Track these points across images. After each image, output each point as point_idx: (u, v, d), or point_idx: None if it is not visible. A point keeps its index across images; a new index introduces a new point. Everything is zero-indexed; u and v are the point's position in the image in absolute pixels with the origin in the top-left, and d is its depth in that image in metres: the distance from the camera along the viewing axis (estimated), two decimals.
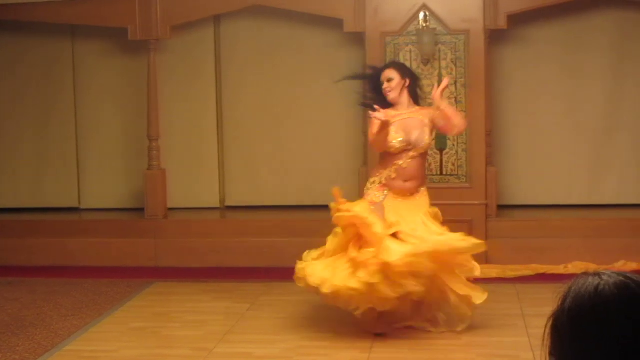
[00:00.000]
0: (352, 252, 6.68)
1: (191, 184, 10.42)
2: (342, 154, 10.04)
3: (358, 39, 9.53)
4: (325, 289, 6.67)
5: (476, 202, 9.15)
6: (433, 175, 9.12)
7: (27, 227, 10.04)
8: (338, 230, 6.93)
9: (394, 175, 6.95)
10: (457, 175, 9.20)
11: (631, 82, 9.72)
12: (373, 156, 7.81)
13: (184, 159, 10.37)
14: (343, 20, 9.35)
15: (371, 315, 6.86)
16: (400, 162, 6.94)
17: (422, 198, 7.05)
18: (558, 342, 1.96)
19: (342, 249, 6.82)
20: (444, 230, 6.91)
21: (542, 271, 8.75)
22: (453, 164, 9.20)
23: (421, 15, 9.09)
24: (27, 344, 6.90)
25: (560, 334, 1.95)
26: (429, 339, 6.82)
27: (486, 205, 9.19)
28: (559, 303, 1.97)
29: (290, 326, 7.25)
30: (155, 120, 9.79)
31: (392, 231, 6.74)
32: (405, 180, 6.96)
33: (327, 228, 7.07)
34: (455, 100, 9.09)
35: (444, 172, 9.22)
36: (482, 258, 9.00)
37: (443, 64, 9.15)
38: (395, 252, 6.50)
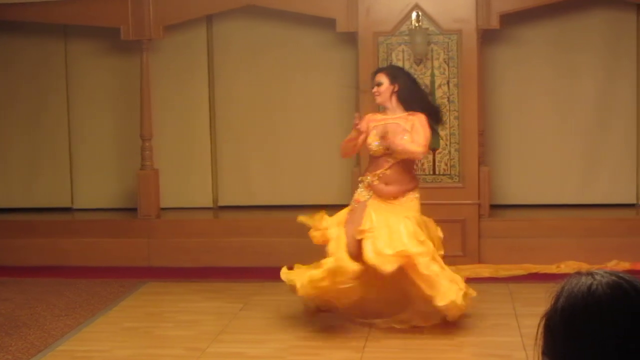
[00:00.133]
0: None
1: (184, 184, 10.42)
2: (335, 154, 9.97)
3: (350, 38, 9.54)
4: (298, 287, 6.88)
5: (469, 202, 9.16)
6: (426, 175, 9.13)
7: (20, 227, 10.02)
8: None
9: (376, 181, 7.03)
10: (449, 175, 9.21)
11: (623, 82, 9.74)
12: (365, 157, 7.82)
13: (176, 158, 10.37)
14: (335, 20, 9.35)
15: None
16: (383, 166, 7.02)
17: (409, 203, 7.05)
18: (551, 342, 1.97)
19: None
20: (424, 238, 6.89)
21: (534, 271, 8.76)
22: (446, 164, 9.20)
23: (414, 15, 9.10)
24: (20, 344, 6.89)
25: (553, 333, 1.96)
26: (421, 339, 6.83)
27: (479, 204, 9.20)
28: (552, 302, 1.98)
29: (283, 326, 7.26)
30: (147, 120, 9.78)
31: (359, 237, 6.90)
32: (387, 184, 7.02)
33: None
34: (448, 100, 9.11)
35: (437, 172, 9.22)
36: (475, 258, 9.04)
37: (435, 63, 9.16)
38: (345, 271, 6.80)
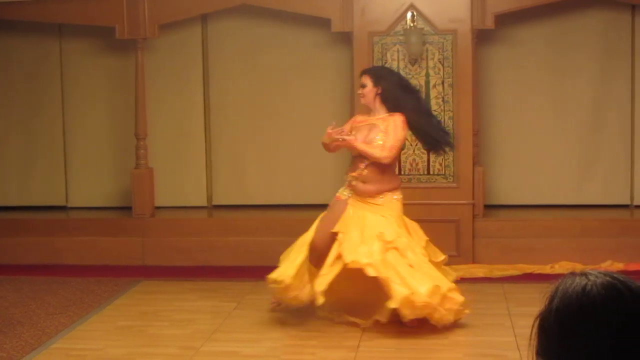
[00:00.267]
0: None
1: (178, 183, 10.41)
2: (329, 154, 10.02)
3: (345, 38, 9.55)
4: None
5: (463, 202, 9.16)
6: (420, 175, 9.14)
7: (15, 225, 10.01)
8: None
9: (354, 180, 7.13)
10: (444, 175, 9.21)
11: (618, 83, 9.76)
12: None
13: (171, 157, 10.37)
14: (331, 19, 9.36)
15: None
16: (362, 166, 7.10)
17: (389, 204, 7.09)
18: (545, 342, 1.97)
19: None
20: (392, 239, 6.94)
21: (528, 271, 8.77)
22: (440, 164, 9.21)
23: (409, 15, 9.10)
24: (14, 342, 6.89)
25: (548, 333, 1.96)
26: (415, 338, 6.84)
27: (473, 205, 9.21)
28: (546, 303, 1.98)
29: (277, 325, 7.27)
30: (142, 119, 9.77)
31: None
32: (365, 182, 7.11)
33: None
34: (443, 100, 9.12)
35: (431, 172, 9.23)
36: (469, 258, 9.05)
37: (430, 63, 9.16)
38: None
